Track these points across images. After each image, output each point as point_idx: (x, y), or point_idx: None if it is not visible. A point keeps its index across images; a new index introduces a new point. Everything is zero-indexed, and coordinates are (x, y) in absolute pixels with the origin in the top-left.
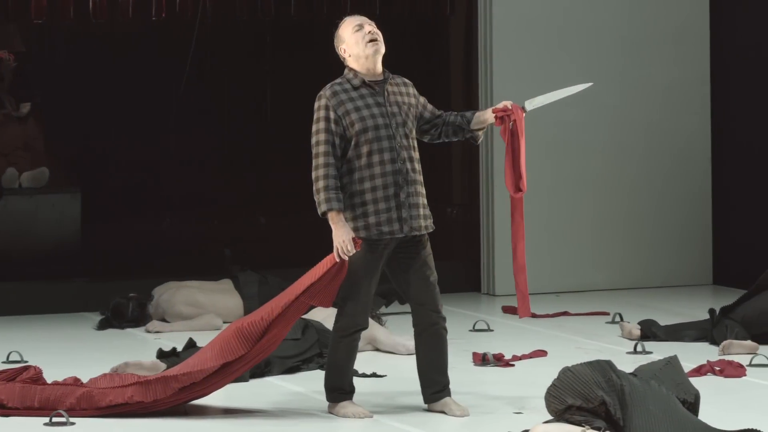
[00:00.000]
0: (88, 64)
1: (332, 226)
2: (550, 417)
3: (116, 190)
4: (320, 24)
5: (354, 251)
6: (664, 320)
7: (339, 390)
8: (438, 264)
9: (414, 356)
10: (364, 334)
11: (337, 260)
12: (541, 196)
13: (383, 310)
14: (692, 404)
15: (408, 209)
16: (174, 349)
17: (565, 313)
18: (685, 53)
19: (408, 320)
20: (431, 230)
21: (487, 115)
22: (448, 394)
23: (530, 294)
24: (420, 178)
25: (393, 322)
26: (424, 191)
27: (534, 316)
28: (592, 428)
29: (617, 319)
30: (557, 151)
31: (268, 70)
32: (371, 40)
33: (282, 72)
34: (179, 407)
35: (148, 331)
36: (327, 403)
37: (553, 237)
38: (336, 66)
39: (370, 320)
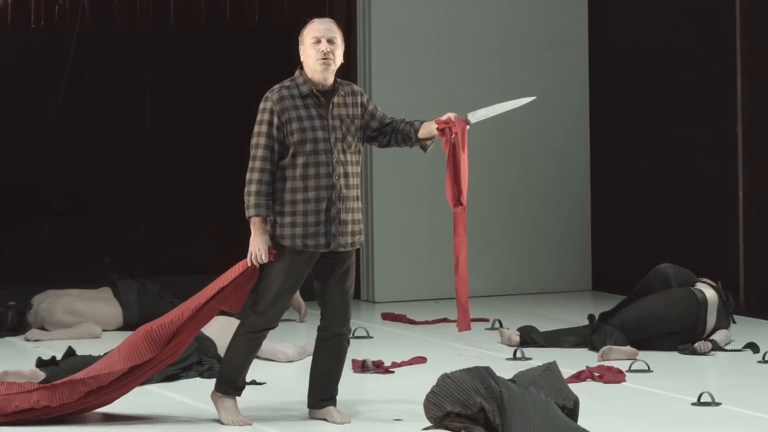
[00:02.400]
0: None
1: (252, 232)
2: (429, 424)
3: None
4: (198, 30)
5: (267, 261)
6: (543, 326)
7: (230, 383)
8: None
9: (293, 363)
10: None
11: (249, 266)
12: (421, 203)
13: None
14: (571, 410)
15: (337, 225)
16: (53, 357)
17: (444, 320)
18: (564, 59)
19: (285, 329)
20: (357, 247)
21: (432, 126)
22: (334, 403)
23: (409, 300)
24: (354, 193)
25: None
26: (358, 206)
27: (413, 322)
28: None
29: (497, 325)
30: (437, 156)
31: (148, 78)
32: (323, 59)
33: (162, 80)
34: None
35: (27, 340)
36: (204, 410)
37: (432, 243)
38: (214, 73)
39: None
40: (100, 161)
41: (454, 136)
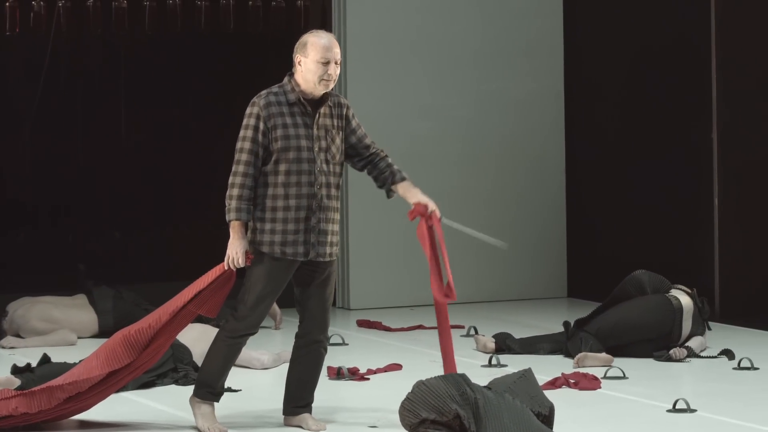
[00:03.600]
0: None
1: (231, 235)
2: (404, 430)
3: None
4: (173, 37)
5: (244, 265)
6: (518, 333)
7: (209, 388)
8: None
9: (268, 370)
10: None
11: (226, 269)
12: (396, 210)
13: None
14: (547, 417)
15: (317, 235)
16: (28, 364)
17: (420, 327)
18: (539, 66)
19: (261, 335)
20: (334, 258)
21: (409, 196)
22: (309, 411)
23: (384, 307)
24: (334, 204)
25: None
26: (337, 218)
27: (388, 329)
28: None
29: (472, 332)
30: (411, 163)
31: (123, 85)
32: (325, 81)
33: (137, 87)
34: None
35: (2, 347)
36: (180, 417)
37: (408, 250)
38: (189, 80)
39: None
40: (75, 168)
41: (430, 228)
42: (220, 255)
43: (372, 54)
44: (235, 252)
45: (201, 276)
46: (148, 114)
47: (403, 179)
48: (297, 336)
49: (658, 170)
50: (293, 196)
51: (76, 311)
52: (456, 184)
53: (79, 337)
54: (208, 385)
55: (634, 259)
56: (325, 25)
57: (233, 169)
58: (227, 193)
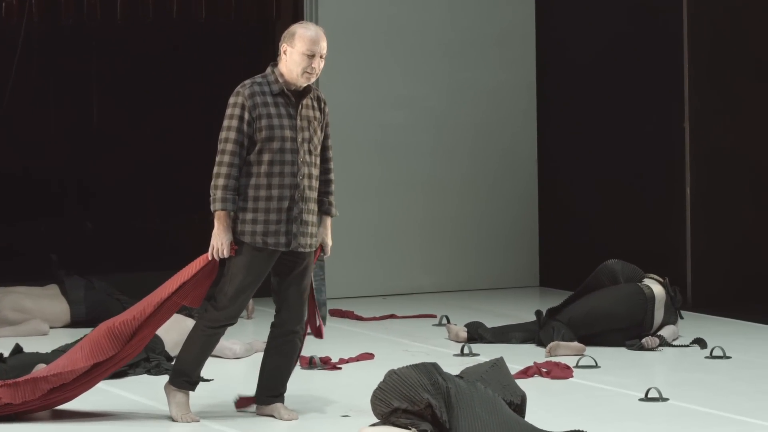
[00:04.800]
0: None
1: (216, 226)
2: (376, 420)
3: None
4: (145, 26)
5: (228, 256)
6: (490, 322)
7: (185, 377)
8: None
9: (240, 360)
10: None
11: (210, 260)
12: (369, 199)
13: None
14: (519, 406)
15: (298, 225)
16: (0, 354)
17: (392, 316)
18: (511, 56)
19: (234, 325)
20: (314, 249)
21: (323, 234)
22: (282, 400)
23: (356, 297)
24: (315, 195)
25: None
26: (316, 209)
27: (360, 318)
28: (418, 431)
29: (444, 321)
30: (384, 153)
31: (95, 74)
32: (308, 74)
33: (109, 75)
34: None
35: None
36: (151, 407)
37: (381, 239)
38: (161, 68)
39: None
40: (47, 157)
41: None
42: (191, 244)
43: (344, 44)
44: (221, 243)
45: (184, 267)
46: (119, 103)
47: (327, 214)
48: (273, 326)
49: (630, 160)
50: (276, 186)
51: (48, 301)
52: (428, 173)
53: (51, 327)
54: (185, 374)
55: (607, 248)
56: (298, 15)
57: (218, 159)
58: (212, 183)
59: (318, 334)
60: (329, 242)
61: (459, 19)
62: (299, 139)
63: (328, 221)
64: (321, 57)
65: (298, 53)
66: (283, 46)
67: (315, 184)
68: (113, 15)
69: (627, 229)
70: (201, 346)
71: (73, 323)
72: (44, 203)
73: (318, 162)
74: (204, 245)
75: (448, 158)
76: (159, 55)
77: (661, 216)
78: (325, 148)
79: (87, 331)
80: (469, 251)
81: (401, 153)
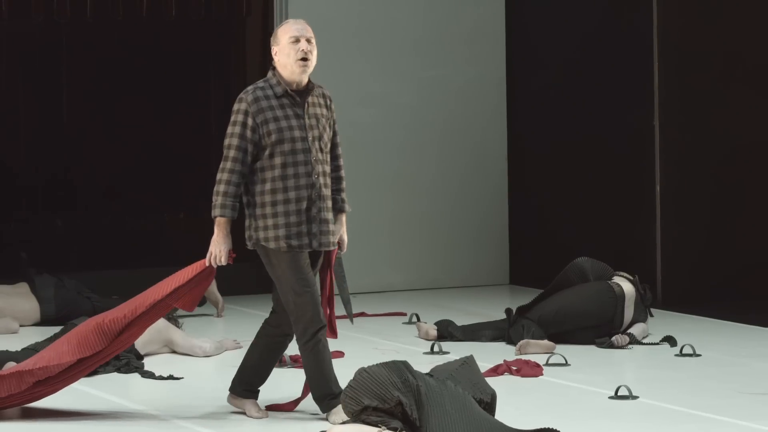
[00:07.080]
0: None
1: (216, 232)
2: (347, 418)
3: None
4: (115, 24)
5: (226, 264)
6: (460, 320)
7: (323, 391)
8: (235, 266)
9: (210, 358)
10: (160, 336)
11: (207, 266)
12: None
13: (179, 312)
14: (489, 404)
15: (318, 224)
16: None
17: (362, 314)
18: (481, 53)
19: (203, 323)
20: (335, 248)
21: (339, 231)
22: (256, 397)
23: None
24: (329, 193)
25: (189, 324)
26: (331, 206)
27: None
28: (389, 429)
29: (414, 319)
30: (354, 151)
31: (65, 71)
32: (302, 59)
33: (79, 73)
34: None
35: None
36: (120, 405)
37: (350, 237)
38: (131, 67)
39: (166, 322)
40: (16, 155)
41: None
42: (163, 242)
43: (315, 40)
44: (219, 250)
45: (180, 270)
46: (89, 99)
47: (342, 211)
48: (267, 323)
49: (600, 157)
50: (292, 187)
51: (18, 299)
52: (398, 170)
53: (20, 325)
54: (321, 389)
55: (577, 246)
56: (268, 12)
57: (221, 165)
58: (214, 188)
59: (334, 333)
60: (345, 238)
61: (429, 16)
62: (309, 138)
63: (343, 218)
64: (308, 41)
65: (285, 44)
66: (273, 49)
67: (329, 181)
68: (83, 13)
69: (597, 227)
70: (316, 360)
71: (43, 321)
72: (13, 201)
73: (329, 159)
74: (175, 245)
75: (418, 155)
76: (129, 52)
77: (631, 214)
78: (334, 145)
79: (57, 329)
80: (439, 249)
81: (371, 150)
